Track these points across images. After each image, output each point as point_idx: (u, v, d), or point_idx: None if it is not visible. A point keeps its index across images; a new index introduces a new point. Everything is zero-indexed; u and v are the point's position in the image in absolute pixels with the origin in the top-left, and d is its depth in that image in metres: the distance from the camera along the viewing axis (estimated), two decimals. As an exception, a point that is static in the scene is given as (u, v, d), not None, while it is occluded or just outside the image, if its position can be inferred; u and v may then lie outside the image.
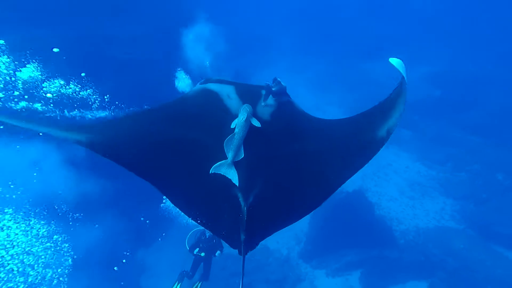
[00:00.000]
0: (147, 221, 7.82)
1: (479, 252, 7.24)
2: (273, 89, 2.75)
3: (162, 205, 7.33)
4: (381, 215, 9.23)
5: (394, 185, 10.59)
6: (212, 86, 2.89)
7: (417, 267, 7.42)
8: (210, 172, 2.09)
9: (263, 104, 2.70)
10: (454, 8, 18.41)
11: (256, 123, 2.35)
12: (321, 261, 8.40)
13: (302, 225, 9.32)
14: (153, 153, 2.25)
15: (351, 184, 10.69)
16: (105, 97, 6.55)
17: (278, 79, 2.81)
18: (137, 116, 2.54)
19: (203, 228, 5.53)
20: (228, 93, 2.74)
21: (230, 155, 2.12)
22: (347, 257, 8.28)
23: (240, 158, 2.14)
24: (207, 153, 2.25)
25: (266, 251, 9.10)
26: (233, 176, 2.08)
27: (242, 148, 2.17)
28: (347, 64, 18.08)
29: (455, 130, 12.33)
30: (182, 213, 2.13)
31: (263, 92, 2.80)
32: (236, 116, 2.39)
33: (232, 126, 2.31)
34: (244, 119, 2.24)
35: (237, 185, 2.05)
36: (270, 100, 2.73)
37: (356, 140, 2.51)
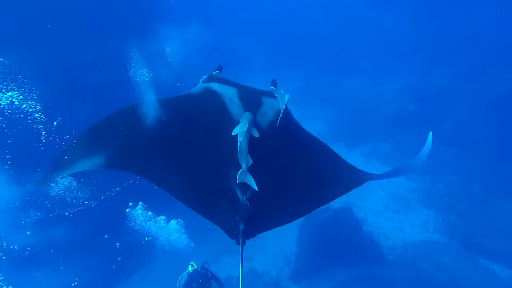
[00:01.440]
0: (119, 258, 7.19)
1: (466, 266, 7.34)
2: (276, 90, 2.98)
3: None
4: (368, 231, 9.20)
5: (378, 198, 10.68)
6: (216, 87, 2.94)
7: (408, 283, 7.35)
8: (237, 181, 2.27)
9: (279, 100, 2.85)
10: (423, 28, 19.73)
11: (255, 133, 2.53)
12: (311, 282, 8.14)
13: (291, 245, 9.05)
14: (158, 156, 2.40)
15: (337, 200, 10.68)
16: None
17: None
18: (138, 118, 2.56)
19: (192, 269, 5.09)
20: (230, 97, 2.82)
21: (243, 164, 2.31)
22: (337, 276, 8.08)
23: (250, 164, 2.32)
24: (208, 154, 2.45)
25: (254, 274, 8.70)
26: (251, 182, 2.27)
27: (249, 156, 2.38)
28: (325, 80, 18.60)
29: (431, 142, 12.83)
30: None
31: (271, 100, 2.92)
32: (237, 123, 2.55)
33: (234, 133, 2.50)
34: (245, 129, 2.42)
35: (256, 188, 2.24)
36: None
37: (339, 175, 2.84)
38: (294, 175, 2.61)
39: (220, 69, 3.32)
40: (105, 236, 7.28)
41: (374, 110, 15.03)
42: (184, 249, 7.42)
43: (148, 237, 7.08)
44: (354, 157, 12.79)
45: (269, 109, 2.81)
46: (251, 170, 2.30)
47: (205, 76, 3.10)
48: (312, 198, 2.58)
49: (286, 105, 2.76)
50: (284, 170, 2.61)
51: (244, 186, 2.31)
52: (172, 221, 7.24)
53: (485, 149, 11.22)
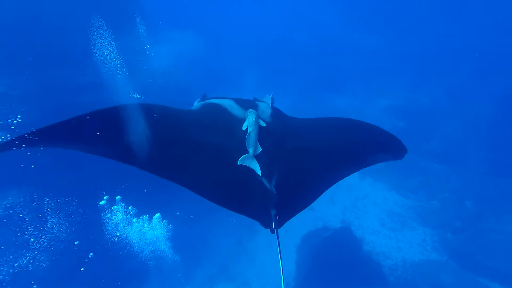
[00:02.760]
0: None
1: (466, 286, 7.26)
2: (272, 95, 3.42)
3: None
4: (367, 251, 9.05)
5: (374, 216, 10.62)
6: (213, 101, 3.29)
7: (411, 306, 7.17)
8: (238, 163, 2.47)
9: (266, 106, 3.27)
10: (407, 49, 20.69)
11: (262, 123, 2.84)
12: (312, 307, 7.82)
13: (290, 268, 8.75)
14: (183, 160, 2.57)
15: (334, 219, 10.56)
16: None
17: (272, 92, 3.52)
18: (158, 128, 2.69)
19: None
20: (230, 104, 3.18)
21: (250, 150, 2.54)
22: (338, 299, 7.81)
23: (259, 152, 2.56)
24: (227, 152, 2.61)
25: (252, 300, 8.31)
26: (255, 166, 2.49)
27: (258, 143, 2.60)
28: (315, 99, 18.95)
29: (422, 159, 13.08)
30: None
31: (262, 103, 3.35)
32: (243, 121, 2.84)
33: (244, 128, 2.76)
34: (254, 119, 2.72)
35: (259, 173, 2.45)
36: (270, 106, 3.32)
37: (357, 141, 3.06)
38: (309, 156, 2.82)
39: (205, 97, 3.60)
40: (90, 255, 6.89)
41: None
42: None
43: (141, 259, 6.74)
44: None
45: (265, 108, 3.25)
46: (269, 160, 2.56)
47: (198, 99, 3.47)
48: (331, 173, 2.78)
49: (273, 99, 3.29)
50: (299, 154, 2.80)
51: (269, 176, 2.48)
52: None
53: (474, 166, 11.52)
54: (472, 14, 20.31)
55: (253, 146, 2.54)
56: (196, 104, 3.36)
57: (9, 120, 5.97)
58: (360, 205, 11.14)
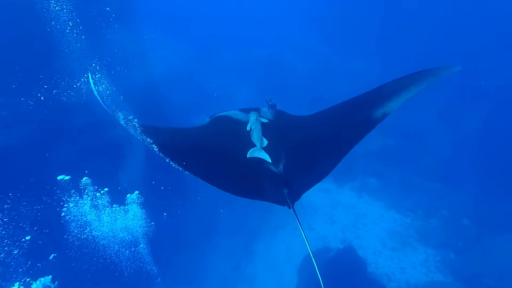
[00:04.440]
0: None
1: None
2: (270, 103, 3.72)
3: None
4: (371, 272, 8.71)
5: (375, 236, 10.37)
6: (220, 114, 3.73)
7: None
8: (248, 156, 2.94)
9: (267, 110, 3.70)
10: (391, 71, 21.54)
11: (264, 120, 3.37)
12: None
13: (292, 293, 8.20)
14: (205, 159, 3.05)
15: (334, 239, 10.20)
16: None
17: (271, 96, 3.83)
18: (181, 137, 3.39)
19: None
20: (234, 113, 3.65)
21: (257, 143, 3.01)
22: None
23: (265, 145, 3.02)
24: (237, 151, 3.04)
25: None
26: (264, 155, 2.93)
27: (263, 137, 3.06)
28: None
29: (416, 177, 13.18)
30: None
31: (264, 107, 3.80)
32: (247, 123, 3.32)
33: (248, 128, 3.25)
34: (254, 118, 3.25)
35: (269, 161, 2.89)
36: (270, 109, 3.72)
37: (353, 120, 3.40)
38: (311, 142, 3.26)
39: (214, 114, 4.01)
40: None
41: (358, 146, 15.37)
42: None
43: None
44: (345, 193, 12.64)
45: (267, 109, 3.73)
46: (275, 150, 2.99)
47: (208, 116, 3.92)
48: (334, 152, 3.10)
49: (272, 100, 3.72)
50: (302, 141, 3.25)
51: (277, 162, 2.92)
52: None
53: (468, 183, 11.68)
54: (460, 32, 21.67)
55: (258, 140, 3.02)
56: (207, 120, 3.78)
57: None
58: (359, 224, 10.88)
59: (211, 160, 3.04)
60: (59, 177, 5.98)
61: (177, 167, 2.86)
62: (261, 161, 2.92)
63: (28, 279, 5.49)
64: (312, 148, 3.19)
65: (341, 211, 11.38)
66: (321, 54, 24.11)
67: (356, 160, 14.38)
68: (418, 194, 11.90)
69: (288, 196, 2.69)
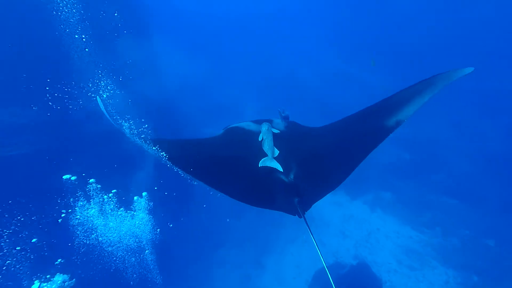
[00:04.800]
0: None
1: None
2: (283, 114, 3.84)
3: None
4: (386, 292, 8.22)
5: (389, 252, 9.88)
6: (233, 125, 3.84)
7: None
8: (259, 165, 2.98)
9: (279, 121, 3.82)
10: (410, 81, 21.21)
11: (275, 130, 3.46)
12: None
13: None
14: (218, 168, 3.11)
15: (346, 254, 9.78)
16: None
17: (284, 108, 3.93)
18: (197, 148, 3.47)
19: None
20: (247, 125, 3.76)
21: (269, 153, 3.06)
22: None
23: (277, 154, 3.08)
24: (249, 160, 3.10)
25: None
26: (276, 164, 2.96)
27: (274, 147, 3.12)
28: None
29: (431, 192, 12.64)
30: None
31: (277, 119, 3.90)
32: (259, 133, 3.41)
33: (260, 138, 3.34)
34: (266, 129, 3.36)
35: (281, 170, 2.92)
36: (283, 120, 3.83)
37: (365, 129, 3.35)
38: (322, 152, 3.28)
39: (227, 126, 4.12)
40: None
41: (371, 158, 14.93)
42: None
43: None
44: (358, 206, 12.22)
45: (279, 121, 3.83)
46: (286, 160, 3.03)
47: (222, 128, 4.02)
48: (346, 162, 3.10)
49: (285, 111, 3.83)
50: (313, 150, 3.29)
51: (288, 171, 2.96)
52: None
53: (487, 201, 11.08)
54: (475, 46, 21.24)
55: (270, 150, 3.08)
56: (221, 131, 3.89)
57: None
58: (372, 240, 10.42)
59: (224, 169, 3.11)
60: (66, 177, 6.04)
61: (191, 176, 2.90)
62: (272, 170, 2.96)
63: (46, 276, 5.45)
64: (324, 158, 3.20)
65: (353, 225, 10.96)
66: (334, 66, 24.13)
67: (370, 173, 13.98)
68: (434, 211, 11.36)
69: (298, 206, 2.69)
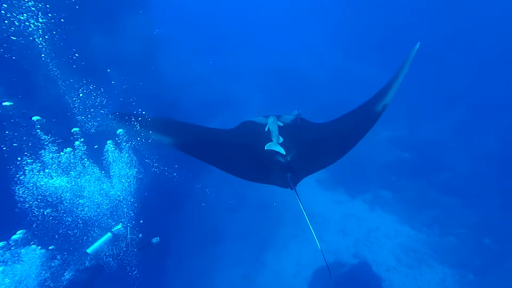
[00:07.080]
0: None
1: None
2: (298, 112, 4.51)
3: None
4: (384, 290, 8.36)
5: (389, 251, 10.00)
6: (248, 119, 4.44)
7: None
8: (265, 148, 3.62)
9: (287, 116, 4.42)
10: (411, 80, 21.26)
11: (280, 123, 3.99)
12: None
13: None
14: (230, 152, 3.76)
15: (346, 253, 9.90)
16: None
17: (298, 106, 4.65)
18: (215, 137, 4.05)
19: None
20: (258, 119, 4.36)
21: (274, 139, 3.67)
22: None
23: (281, 141, 3.65)
24: (256, 145, 3.70)
25: None
26: (279, 148, 3.56)
27: (279, 136, 3.71)
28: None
29: (431, 191, 12.76)
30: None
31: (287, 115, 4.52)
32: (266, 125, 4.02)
33: (266, 129, 3.95)
34: (272, 121, 3.95)
35: (283, 153, 3.52)
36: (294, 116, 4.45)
37: (357, 116, 3.97)
38: (318, 142, 3.86)
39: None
40: None
41: (371, 157, 15.08)
42: None
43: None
44: (357, 205, 12.33)
45: (287, 116, 4.41)
46: (286, 145, 3.59)
47: (239, 122, 4.55)
48: (335, 150, 3.65)
49: (298, 111, 4.50)
50: (312, 139, 3.90)
51: (285, 156, 3.51)
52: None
53: (487, 200, 11.21)
54: (475, 47, 21.27)
55: (275, 136, 3.67)
56: (237, 125, 4.44)
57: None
58: (372, 238, 10.54)
59: (234, 152, 3.74)
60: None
61: (205, 157, 3.44)
62: (275, 153, 3.55)
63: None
64: (320, 145, 3.81)
65: (353, 223, 11.08)
66: (336, 62, 24.12)
67: (369, 171, 14.08)
68: (433, 209, 11.49)
69: (290, 180, 3.24)
